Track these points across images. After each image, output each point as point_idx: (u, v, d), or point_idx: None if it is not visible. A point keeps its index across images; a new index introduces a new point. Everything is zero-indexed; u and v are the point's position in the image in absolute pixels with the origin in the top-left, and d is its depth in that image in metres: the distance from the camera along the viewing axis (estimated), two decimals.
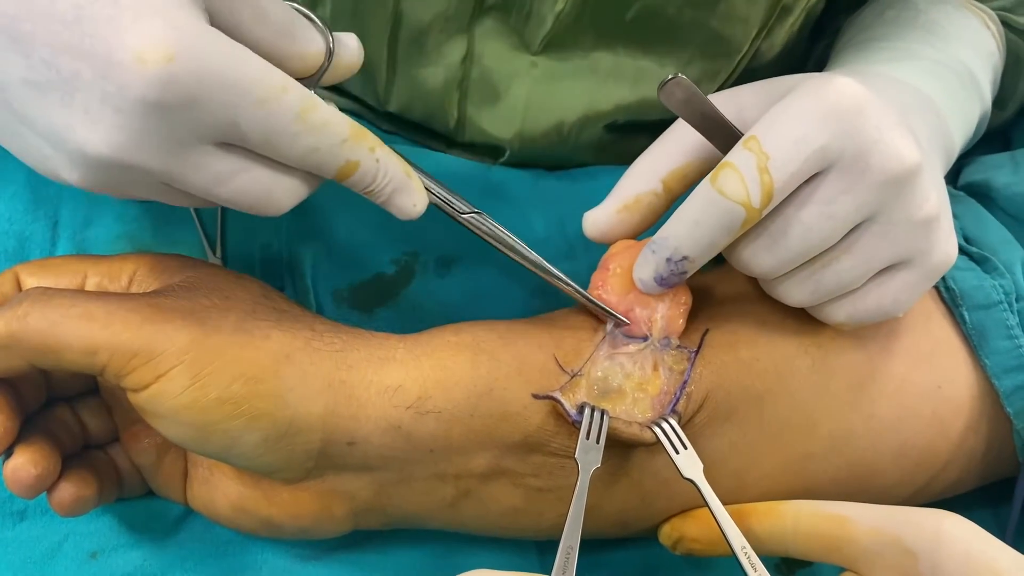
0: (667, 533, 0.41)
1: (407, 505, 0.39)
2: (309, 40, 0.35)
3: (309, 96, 0.33)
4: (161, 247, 0.46)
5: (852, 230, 0.37)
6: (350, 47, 0.37)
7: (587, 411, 0.37)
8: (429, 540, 0.43)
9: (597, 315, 0.40)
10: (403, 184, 0.37)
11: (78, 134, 0.30)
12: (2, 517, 0.40)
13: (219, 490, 0.38)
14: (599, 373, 0.39)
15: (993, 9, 0.55)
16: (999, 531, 0.42)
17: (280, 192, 0.35)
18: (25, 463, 0.35)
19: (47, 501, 0.37)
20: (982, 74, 0.51)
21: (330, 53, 0.36)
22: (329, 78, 0.37)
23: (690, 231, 0.36)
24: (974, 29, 0.53)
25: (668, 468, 0.39)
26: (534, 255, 0.40)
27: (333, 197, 0.47)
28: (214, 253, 0.47)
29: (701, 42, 0.48)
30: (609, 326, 0.40)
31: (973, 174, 0.51)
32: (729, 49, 0.49)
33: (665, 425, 0.38)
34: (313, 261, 0.46)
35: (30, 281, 0.38)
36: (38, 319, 0.33)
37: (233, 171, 0.33)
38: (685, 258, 0.37)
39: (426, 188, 0.38)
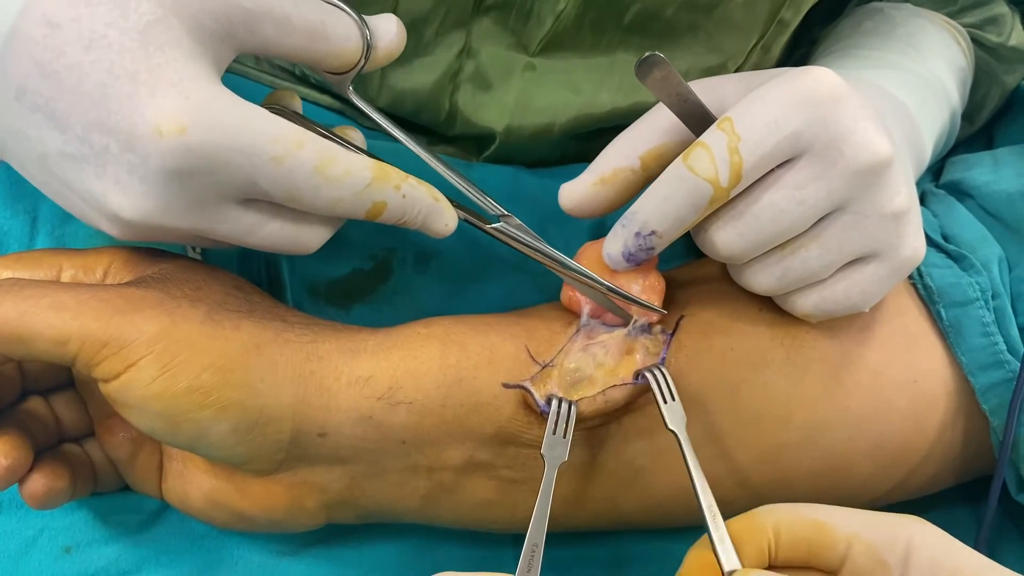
0: None
1: (380, 498, 0.39)
2: (344, 38, 0.36)
3: (327, 149, 0.33)
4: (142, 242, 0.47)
5: (822, 219, 0.37)
6: (388, 33, 0.38)
7: (555, 403, 0.37)
8: (405, 535, 0.43)
9: (638, 314, 0.40)
10: (432, 209, 0.37)
11: (112, 201, 0.32)
12: None
13: (193, 483, 0.38)
14: (571, 364, 0.39)
15: (963, 26, 0.57)
16: (977, 528, 0.42)
17: (308, 236, 0.36)
18: None
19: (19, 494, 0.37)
20: (953, 87, 0.52)
21: (367, 46, 0.37)
22: (371, 67, 0.38)
23: (659, 206, 0.37)
24: (946, 44, 0.54)
25: (642, 456, 0.40)
26: (564, 258, 0.40)
27: None
28: (194, 249, 0.47)
29: (698, 49, 0.49)
30: (583, 318, 0.40)
31: (953, 172, 0.52)
32: (724, 58, 0.49)
33: (656, 373, 0.38)
34: (290, 256, 0.46)
35: (4, 274, 0.38)
36: (9, 309, 0.33)
37: (259, 223, 0.35)
38: (653, 233, 0.37)
39: (454, 203, 0.39)
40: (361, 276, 0.47)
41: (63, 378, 0.40)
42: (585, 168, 0.51)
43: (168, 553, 0.41)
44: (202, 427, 0.34)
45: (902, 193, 0.37)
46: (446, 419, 0.38)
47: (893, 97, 0.47)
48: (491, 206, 0.40)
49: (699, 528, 0.44)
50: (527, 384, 0.38)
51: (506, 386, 0.38)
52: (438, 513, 0.40)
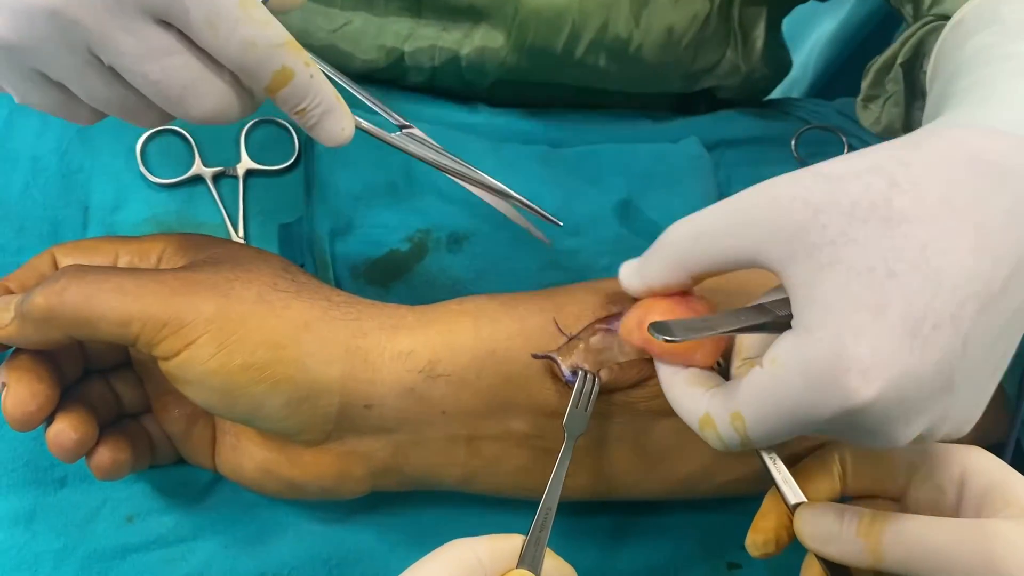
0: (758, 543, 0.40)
1: (422, 465, 0.41)
2: None
3: None
4: (185, 228, 0.49)
5: None
6: None
7: (580, 375, 0.39)
8: (445, 502, 0.45)
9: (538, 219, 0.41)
10: (333, 106, 0.36)
11: None
12: (44, 484, 0.43)
13: (246, 455, 0.41)
14: (599, 344, 0.41)
15: None
16: None
17: (207, 88, 0.34)
18: (66, 428, 0.37)
19: (86, 465, 0.39)
20: None
21: None
22: (273, 5, 0.37)
23: None
24: None
25: (671, 435, 0.41)
26: (470, 169, 0.40)
27: (350, 175, 0.49)
28: (236, 233, 0.49)
29: None
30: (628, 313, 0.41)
31: None
32: None
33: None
34: (331, 239, 0.48)
35: (66, 261, 0.40)
36: (75, 293, 0.35)
37: (167, 49, 0.33)
38: None
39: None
40: (398, 257, 0.48)
41: (121, 358, 0.42)
42: (612, 149, 0.53)
43: (223, 521, 0.44)
44: (257, 401, 0.37)
45: (899, 431, 0.30)
46: (482, 390, 0.40)
47: None
48: (394, 118, 0.39)
49: (709, 502, 0.46)
50: (554, 354, 0.40)
51: (535, 356, 0.40)
52: (476, 480, 0.42)
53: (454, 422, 0.40)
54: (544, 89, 0.57)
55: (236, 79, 0.35)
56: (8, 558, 0.41)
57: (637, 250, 0.50)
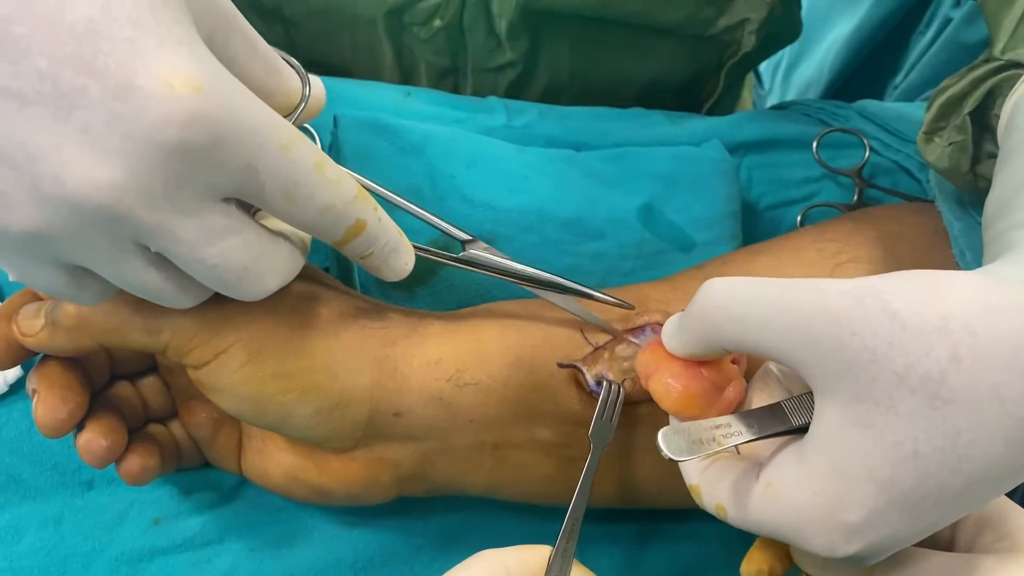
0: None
1: (449, 472, 0.41)
2: (291, 76, 0.35)
3: (321, 151, 0.31)
4: None
5: None
6: (318, 86, 0.37)
7: (605, 385, 0.39)
8: (469, 507, 0.45)
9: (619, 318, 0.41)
10: (398, 244, 0.36)
11: (67, 159, 0.26)
12: (72, 487, 0.43)
13: (272, 460, 0.41)
14: (625, 353, 0.41)
15: None
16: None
17: (268, 265, 0.32)
18: (96, 436, 0.37)
19: (115, 471, 0.40)
20: None
21: (305, 96, 0.36)
22: (300, 120, 0.36)
23: None
24: None
25: None
26: (543, 274, 0.40)
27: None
28: None
29: None
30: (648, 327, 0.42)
31: None
32: None
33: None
34: None
35: None
36: (105, 302, 0.36)
37: (227, 228, 0.30)
38: None
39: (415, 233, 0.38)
40: (422, 261, 0.49)
41: (147, 363, 0.42)
42: (639, 151, 0.52)
43: (248, 525, 0.44)
44: (287, 409, 0.37)
45: (865, 564, 0.32)
46: (508, 399, 0.40)
47: None
48: (456, 235, 0.40)
49: None
50: (579, 364, 0.40)
51: (560, 365, 0.40)
52: (502, 487, 0.42)
53: (481, 430, 0.40)
54: (560, 28, 0.56)
55: (291, 241, 0.34)
56: (36, 560, 0.41)
57: (661, 254, 0.51)
